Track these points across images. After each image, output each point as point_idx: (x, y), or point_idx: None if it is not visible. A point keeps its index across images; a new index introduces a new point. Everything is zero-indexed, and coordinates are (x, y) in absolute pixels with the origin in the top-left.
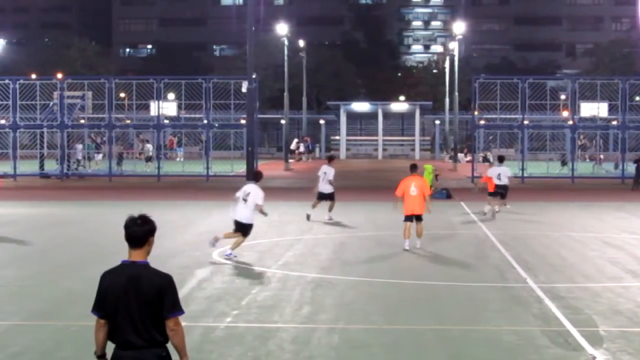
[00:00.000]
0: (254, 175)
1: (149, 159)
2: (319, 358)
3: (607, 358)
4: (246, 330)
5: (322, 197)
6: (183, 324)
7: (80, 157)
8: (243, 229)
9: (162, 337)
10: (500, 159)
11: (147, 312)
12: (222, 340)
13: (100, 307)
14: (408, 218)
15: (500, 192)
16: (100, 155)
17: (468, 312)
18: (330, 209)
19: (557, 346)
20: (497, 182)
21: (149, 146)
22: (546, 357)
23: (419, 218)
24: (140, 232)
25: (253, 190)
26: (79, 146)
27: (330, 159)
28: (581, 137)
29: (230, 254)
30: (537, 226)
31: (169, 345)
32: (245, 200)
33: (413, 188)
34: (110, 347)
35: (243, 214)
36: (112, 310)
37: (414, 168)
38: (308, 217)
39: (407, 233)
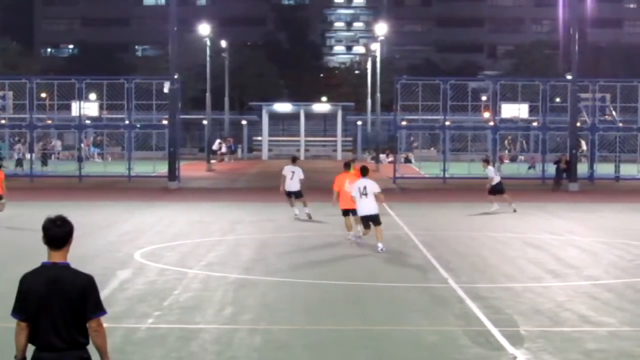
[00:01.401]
0: (364, 170)
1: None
2: (241, 359)
3: (528, 357)
4: (168, 332)
5: (290, 194)
6: (104, 325)
7: (20, 157)
8: (375, 220)
9: (83, 339)
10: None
11: (69, 314)
12: (145, 342)
13: (21, 309)
14: (345, 212)
15: (498, 189)
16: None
17: (391, 312)
18: (305, 205)
19: (479, 346)
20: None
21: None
22: (468, 357)
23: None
24: (60, 233)
25: (368, 184)
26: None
27: (294, 160)
28: (509, 138)
29: (382, 247)
30: (459, 226)
31: (90, 347)
32: (365, 194)
33: (347, 184)
34: (29, 350)
35: (369, 206)
36: (33, 312)
37: (347, 166)
38: (309, 216)
39: (349, 226)
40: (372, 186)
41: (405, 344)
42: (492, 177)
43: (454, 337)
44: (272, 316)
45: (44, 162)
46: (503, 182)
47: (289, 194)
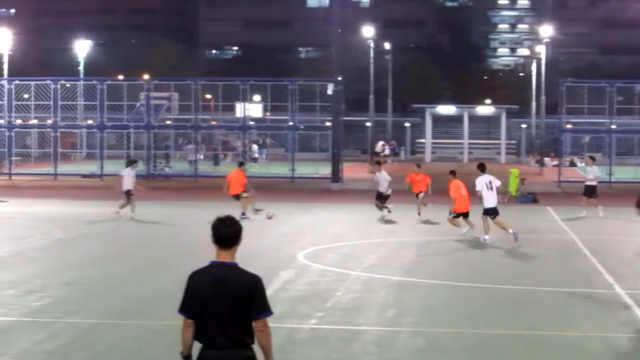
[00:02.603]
0: (481, 167)
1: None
2: None
3: None
4: (330, 332)
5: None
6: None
7: (193, 158)
8: (496, 212)
9: (249, 338)
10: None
11: (235, 313)
12: (306, 342)
13: (188, 307)
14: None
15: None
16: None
17: (553, 317)
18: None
19: None
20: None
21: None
22: None
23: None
24: (230, 233)
25: (492, 179)
26: (191, 146)
27: (378, 163)
28: None
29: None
30: (626, 232)
31: (255, 346)
32: (491, 188)
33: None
34: (195, 347)
35: (494, 198)
36: (199, 310)
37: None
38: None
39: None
40: (495, 181)
41: (566, 349)
42: (594, 177)
43: (618, 344)
44: (434, 319)
45: (216, 162)
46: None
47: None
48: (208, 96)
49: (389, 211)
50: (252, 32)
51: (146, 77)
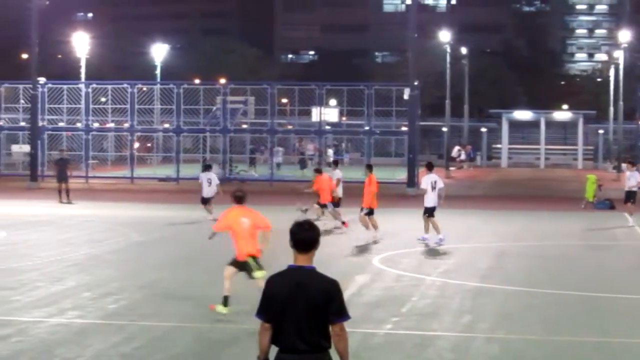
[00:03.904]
0: (429, 165)
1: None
2: None
3: None
4: (405, 338)
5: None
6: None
7: (280, 161)
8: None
9: (326, 342)
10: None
11: (313, 317)
12: (381, 347)
13: (266, 311)
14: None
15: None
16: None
17: (630, 324)
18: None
19: None
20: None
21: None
22: None
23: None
24: (308, 237)
25: (437, 179)
26: (281, 149)
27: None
28: None
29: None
30: None
31: (331, 350)
32: (434, 188)
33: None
34: (272, 351)
35: (434, 198)
36: (277, 314)
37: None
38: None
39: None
40: (440, 181)
41: None
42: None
43: None
44: (510, 325)
45: (303, 166)
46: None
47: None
48: (284, 100)
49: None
50: (329, 36)
51: (223, 81)
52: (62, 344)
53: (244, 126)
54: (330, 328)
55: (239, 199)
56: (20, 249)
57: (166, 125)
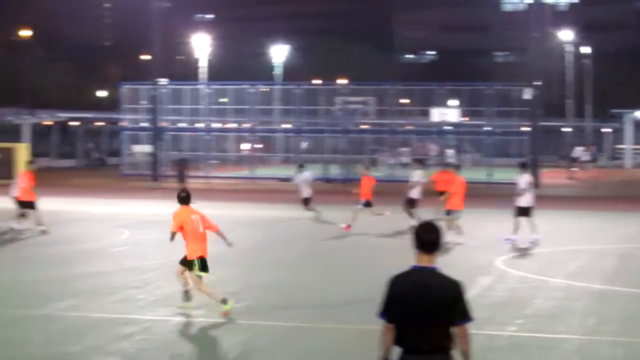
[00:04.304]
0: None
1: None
2: None
3: None
4: (529, 340)
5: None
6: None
7: (407, 161)
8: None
9: (449, 344)
10: None
11: (437, 318)
12: (504, 349)
13: (389, 311)
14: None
15: None
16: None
17: None
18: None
19: None
20: None
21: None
22: None
23: None
24: (432, 238)
25: None
26: (406, 149)
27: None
28: None
29: None
30: None
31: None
32: None
33: None
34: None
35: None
36: (401, 315)
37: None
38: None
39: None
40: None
41: None
42: None
43: None
44: (635, 329)
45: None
46: None
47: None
48: (404, 101)
49: None
50: (448, 36)
51: (342, 81)
52: (186, 342)
53: (364, 127)
54: (454, 329)
55: (183, 200)
56: (143, 248)
57: (286, 126)
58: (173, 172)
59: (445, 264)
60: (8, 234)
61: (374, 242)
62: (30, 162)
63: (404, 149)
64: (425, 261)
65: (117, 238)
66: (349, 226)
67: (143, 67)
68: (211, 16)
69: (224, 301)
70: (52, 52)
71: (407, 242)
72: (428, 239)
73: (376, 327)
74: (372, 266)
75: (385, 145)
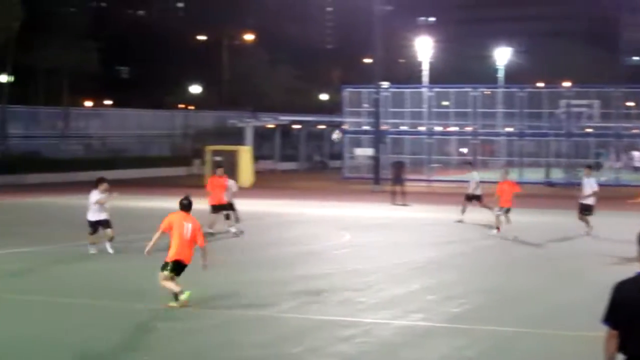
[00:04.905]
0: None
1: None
2: None
3: None
4: None
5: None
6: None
7: (638, 166)
8: None
9: None
10: None
11: None
12: None
13: (613, 317)
14: None
15: None
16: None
17: None
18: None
19: None
20: None
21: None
22: None
23: None
24: None
25: None
26: (637, 153)
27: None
28: None
29: None
30: None
31: None
32: None
33: None
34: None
35: None
36: (625, 321)
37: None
38: None
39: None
40: None
41: None
42: None
43: None
44: None
45: None
46: None
47: None
48: (630, 104)
49: None
50: None
51: (566, 84)
52: (406, 346)
53: (588, 130)
54: None
55: (184, 207)
56: (364, 251)
57: (509, 129)
58: (389, 174)
59: None
60: (231, 236)
61: (592, 248)
62: (219, 167)
63: (634, 153)
64: None
65: (338, 240)
66: (498, 229)
67: (365, 70)
68: (433, 19)
69: (178, 294)
70: (275, 55)
71: (626, 249)
72: None
73: (595, 334)
74: (590, 272)
75: (608, 149)
